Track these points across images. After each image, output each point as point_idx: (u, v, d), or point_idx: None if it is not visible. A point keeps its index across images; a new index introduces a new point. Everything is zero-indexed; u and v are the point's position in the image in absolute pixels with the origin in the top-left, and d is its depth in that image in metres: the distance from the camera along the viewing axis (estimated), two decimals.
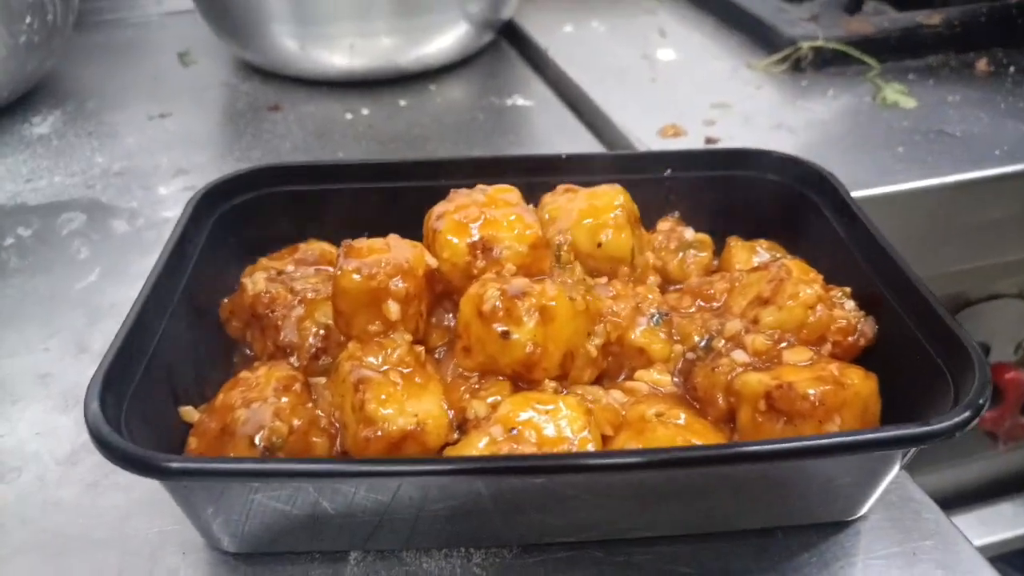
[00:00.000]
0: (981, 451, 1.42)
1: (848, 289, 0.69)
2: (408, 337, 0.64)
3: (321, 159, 1.14)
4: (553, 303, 0.62)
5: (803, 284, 0.66)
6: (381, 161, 0.84)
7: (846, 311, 0.67)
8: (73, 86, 1.38)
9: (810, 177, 0.80)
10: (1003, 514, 1.50)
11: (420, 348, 0.64)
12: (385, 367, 0.61)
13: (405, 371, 0.61)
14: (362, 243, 0.67)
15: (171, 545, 0.63)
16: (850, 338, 0.67)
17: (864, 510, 0.64)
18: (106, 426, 0.53)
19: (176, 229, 0.72)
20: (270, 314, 0.70)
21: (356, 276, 0.63)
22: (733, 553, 0.63)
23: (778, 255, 0.78)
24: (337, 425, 0.63)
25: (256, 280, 0.72)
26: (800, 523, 0.64)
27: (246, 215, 0.80)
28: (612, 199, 0.75)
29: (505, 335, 0.61)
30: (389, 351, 0.62)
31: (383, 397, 0.59)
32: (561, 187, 0.81)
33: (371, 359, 0.61)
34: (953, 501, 1.46)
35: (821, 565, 0.62)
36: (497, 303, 0.62)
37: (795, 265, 0.69)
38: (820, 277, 0.69)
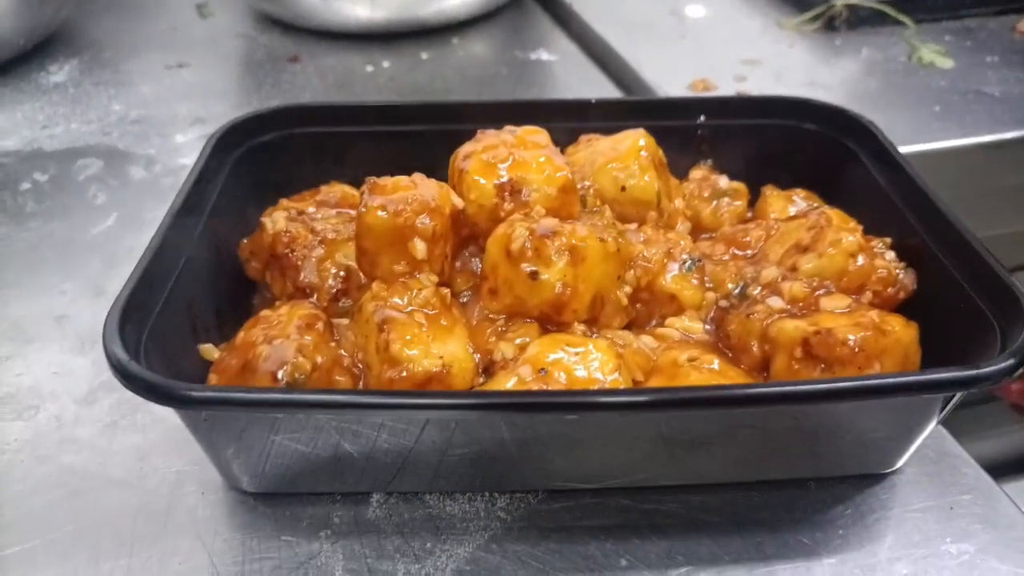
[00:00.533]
0: (1008, 424, 1.39)
1: (888, 240, 0.67)
2: (434, 278, 0.62)
3: (347, 100, 1.11)
4: (583, 243, 0.60)
5: (844, 232, 0.64)
6: (405, 103, 0.82)
7: (886, 261, 0.64)
8: (90, 36, 1.36)
9: (850, 126, 0.77)
10: None
11: (446, 290, 0.62)
12: (410, 308, 0.59)
13: (430, 312, 0.60)
14: (387, 181, 0.65)
15: (189, 484, 0.62)
16: (890, 289, 0.65)
17: (900, 463, 0.62)
18: (126, 355, 0.51)
19: (196, 166, 0.70)
20: (290, 254, 0.68)
21: (381, 213, 0.61)
22: (765, 503, 0.61)
23: (815, 204, 0.75)
24: (360, 366, 0.61)
25: (276, 219, 0.70)
26: (834, 475, 0.62)
27: (267, 155, 0.78)
28: (635, 142, 0.73)
29: (534, 275, 0.59)
30: (415, 292, 0.60)
31: (408, 338, 0.57)
32: (584, 137, 0.78)
33: (396, 299, 0.60)
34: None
35: (856, 517, 0.60)
36: (526, 243, 0.59)
37: (835, 213, 0.67)
38: (859, 227, 0.67)
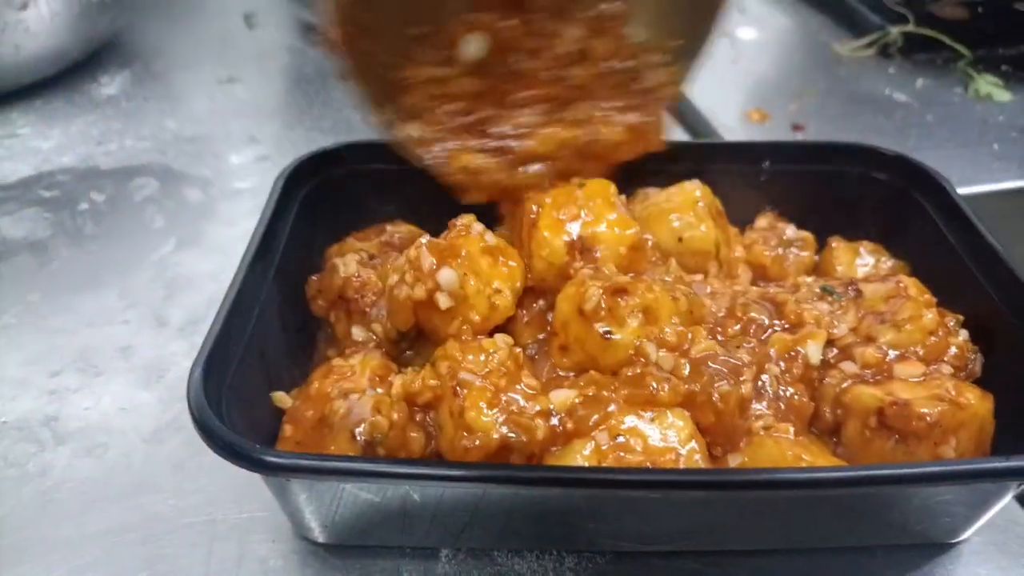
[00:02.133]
0: None
1: (961, 317, 0.66)
2: (509, 341, 0.62)
3: None
4: (656, 303, 0.60)
5: (923, 307, 0.63)
6: None
7: (960, 340, 0.64)
8: (138, 46, 1.37)
9: (919, 177, 0.76)
10: None
11: (519, 351, 0.62)
12: (486, 369, 0.59)
13: (504, 374, 0.59)
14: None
15: (260, 532, 0.63)
16: (961, 373, 0.64)
17: (968, 533, 0.62)
18: (212, 415, 0.52)
19: (266, 209, 0.70)
20: (359, 299, 0.69)
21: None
22: (831, 569, 0.61)
23: (882, 257, 0.74)
24: (431, 422, 0.61)
25: (348, 263, 0.70)
26: (901, 543, 0.62)
27: (334, 192, 0.78)
28: (691, 193, 0.73)
29: (607, 335, 0.59)
30: (490, 353, 0.60)
31: (482, 405, 0.57)
32: (641, 190, 0.78)
33: (470, 361, 0.59)
34: None
35: None
36: (600, 303, 0.59)
37: (912, 284, 0.66)
38: (934, 300, 0.66)
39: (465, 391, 0.56)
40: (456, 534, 0.60)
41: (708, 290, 0.69)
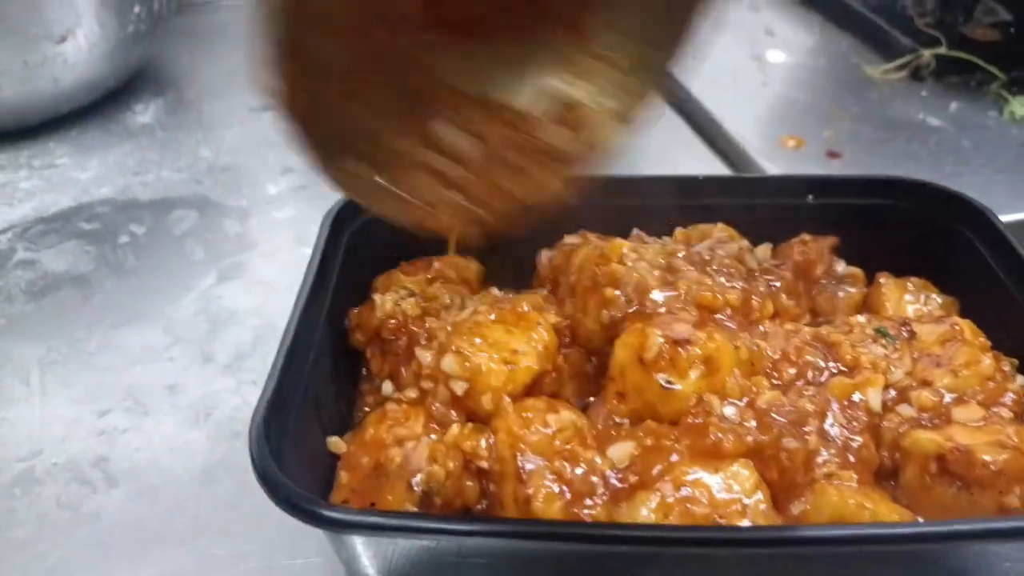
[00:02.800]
0: None
1: (1016, 361, 0.65)
2: (573, 418, 0.60)
3: None
4: (718, 352, 0.60)
5: (979, 351, 0.63)
6: None
7: (1017, 385, 0.63)
8: (171, 73, 1.38)
9: (964, 210, 0.76)
10: None
11: (584, 423, 0.61)
12: (551, 445, 0.58)
13: (569, 453, 0.58)
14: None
15: (315, 575, 0.63)
16: (1020, 419, 0.63)
17: None
18: (276, 471, 0.52)
19: (316, 249, 0.71)
20: (395, 341, 0.68)
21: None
22: None
23: (932, 294, 0.74)
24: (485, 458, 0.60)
25: (386, 301, 0.70)
26: None
27: (380, 229, 0.77)
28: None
29: (668, 386, 0.59)
30: (554, 431, 0.59)
31: (548, 492, 0.56)
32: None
33: (532, 435, 0.58)
34: None
35: None
36: (661, 351, 0.59)
37: (967, 326, 0.66)
38: (988, 343, 0.66)
39: (531, 480, 0.56)
40: None
41: (761, 329, 0.69)
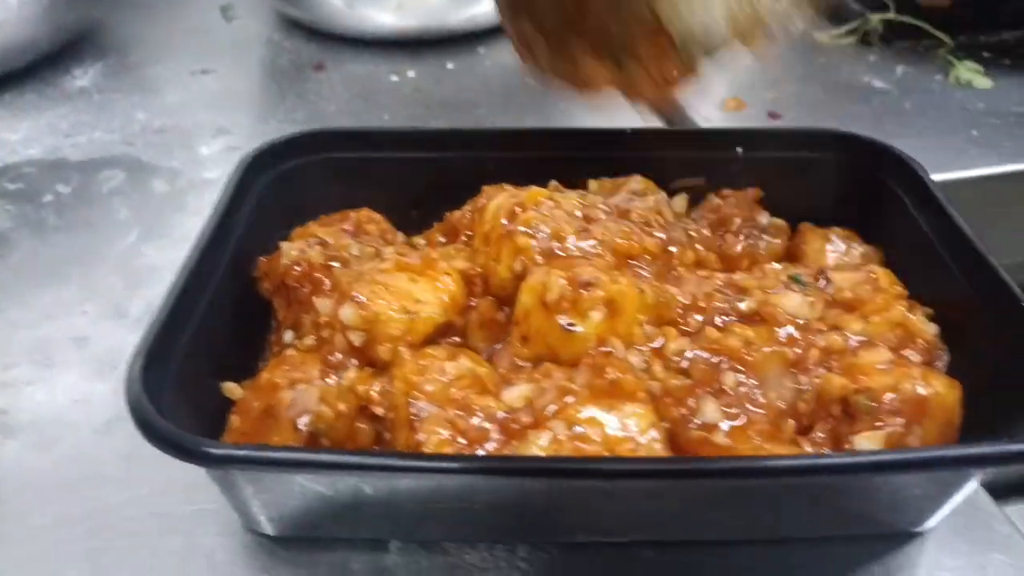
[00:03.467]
0: None
1: (931, 311, 0.64)
2: (471, 365, 0.59)
3: (370, 125, 1.09)
4: (621, 295, 0.58)
5: (893, 299, 0.62)
6: (433, 130, 0.81)
7: (929, 335, 0.62)
8: (115, 38, 1.35)
9: (893, 163, 0.75)
10: None
11: (484, 370, 0.59)
12: (446, 393, 0.56)
13: (464, 400, 0.56)
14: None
15: (207, 524, 0.61)
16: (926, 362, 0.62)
17: (934, 522, 0.60)
18: (149, 407, 0.50)
19: (223, 195, 0.69)
20: (299, 288, 0.67)
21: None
22: (794, 559, 0.59)
23: (853, 244, 0.73)
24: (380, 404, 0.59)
25: (290, 248, 0.68)
26: (864, 533, 0.61)
27: (294, 181, 0.76)
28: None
29: (569, 328, 0.58)
30: (450, 377, 0.57)
31: (438, 440, 0.54)
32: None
33: (429, 387, 0.57)
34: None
35: (889, 574, 0.58)
36: (562, 293, 0.58)
37: (884, 275, 0.65)
38: (905, 292, 0.65)
39: (423, 427, 0.54)
40: (407, 527, 0.59)
41: (675, 274, 0.68)
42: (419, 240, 0.77)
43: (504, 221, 0.67)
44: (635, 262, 0.67)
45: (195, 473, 0.59)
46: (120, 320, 0.80)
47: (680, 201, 0.76)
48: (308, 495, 0.55)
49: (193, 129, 1.11)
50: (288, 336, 0.65)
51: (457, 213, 0.75)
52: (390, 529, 0.59)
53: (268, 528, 0.59)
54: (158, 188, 1.00)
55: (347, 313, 0.60)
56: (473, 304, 0.66)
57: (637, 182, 0.75)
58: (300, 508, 0.57)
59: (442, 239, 0.76)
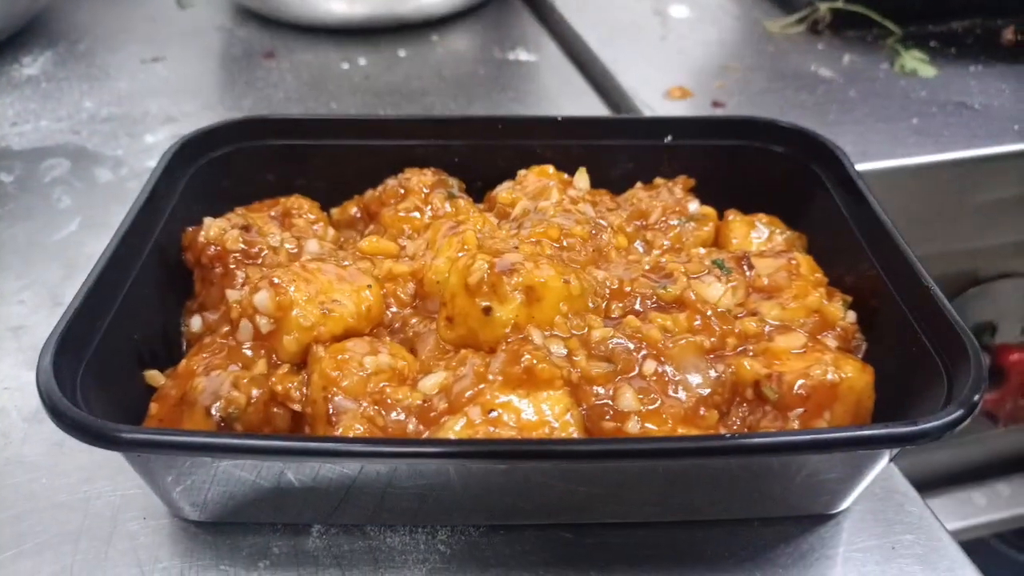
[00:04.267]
0: (979, 431, 1.39)
1: (849, 298, 0.66)
2: (389, 360, 0.59)
3: (306, 113, 1.09)
4: (542, 283, 0.59)
5: (812, 286, 0.63)
6: (364, 117, 0.82)
7: (846, 322, 0.64)
8: (66, 26, 1.34)
9: (817, 150, 0.76)
10: (1000, 494, 1.48)
11: (404, 363, 0.60)
12: (365, 388, 0.57)
13: (384, 395, 0.57)
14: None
15: (132, 510, 0.62)
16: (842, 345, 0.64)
17: (847, 504, 0.62)
18: (57, 392, 0.51)
19: (148, 182, 0.69)
20: (212, 268, 0.67)
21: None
22: (708, 541, 0.61)
23: (777, 230, 0.74)
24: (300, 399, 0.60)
25: (210, 226, 0.68)
26: (779, 515, 0.62)
27: (224, 169, 0.77)
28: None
29: (487, 311, 0.58)
30: (368, 372, 0.58)
31: (355, 434, 0.55)
32: (521, 173, 0.78)
33: (346, 383, 0.57)
34: (947, 480, 1.44)
35: (797, 556, 0.60)
36: (484, 276, 0.59)
37: (804, 261, 0.66)
38: (825, 279, 0.66)
39: (340, 423, 0.55)
40: (329, 512, 0.59)
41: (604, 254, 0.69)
42: (348, 239, 0.77)
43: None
44: (570, 250, 0.68)
45: (123, 461, 0.60)
46: (56, 309, 0.80)
47: (581, 178, 0.77)
48: (230, 481, 0.56)
49: (140, 117, 1.11)
50: (196, 324, 0.66)
51: (370, 192, 0.76)
52: (311, 514, 0.60)
53: (191, 514, 0.60)
54: (102, 177, 1.00)
55: (261, 297, 0.61)
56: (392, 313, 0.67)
57: (539, 173, 0.76)
58: (221, 494, 0.57)
59: (356, 212, 0.78)
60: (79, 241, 0.89)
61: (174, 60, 1.25)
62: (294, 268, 0.62)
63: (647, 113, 1.06)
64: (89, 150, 1.04)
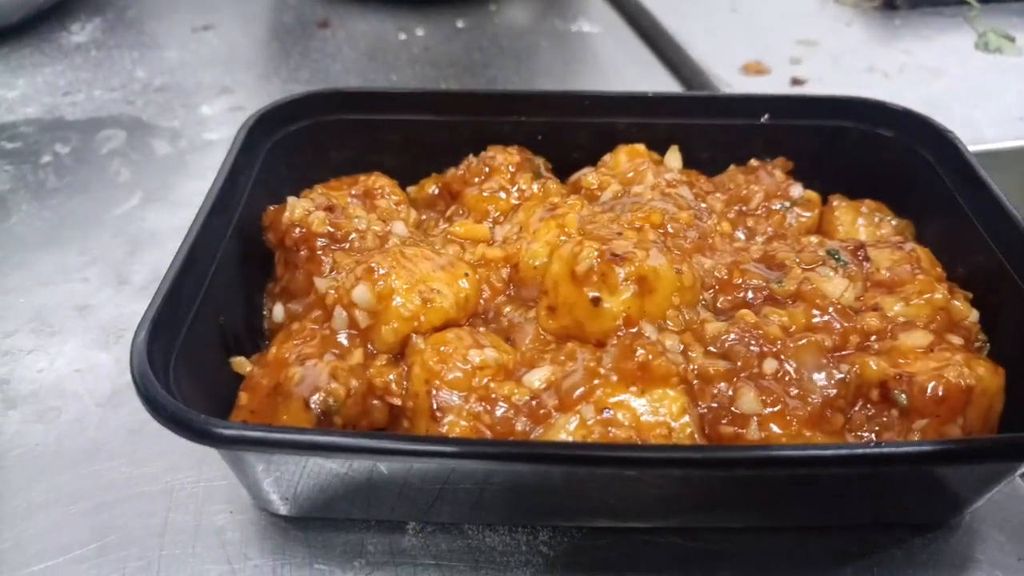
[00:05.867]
0: None
1: (970, 295, 0.62)
2: (495, 355, 0.56)
3: (380, 86, 1.05)
4: (655, 273, 0.55)
5: (935, 281, 0.60)
6: (442, 91, 0.78)
7: (969, 322, 0.60)
8: None
9: (926, 133, 0.72)
10: None
11: (508, 356, 0.56)
12: (469, 382, 0.54)
13: (488, 391, 0.54)
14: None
15: (218, 502, 0.59)
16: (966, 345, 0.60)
17: (968, 511, 0.58)
18: (155, 384, 0.48)
19: (227, 160, 0.66)
20: (296, 251, 0.64)
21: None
22: (820, 546, 0.57)
23: (886, 217, 0.70)
24: (397, 391, 0.56)
25: (296, 206, 0.64)
26: (903, 522, 0.59)
27: (301, 143, 0.73)
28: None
29: (596, 302, 0.55)
30: (473, 366, 0.54)
31: (462, 429, 0.52)
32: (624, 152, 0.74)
33: (451, 376, 0.54)
34: None
35: (916, 565, 0.56)
36: (593, 264, 0.55)
37: (924, 254, 0.62)
38: (944, 274, 0.62)
39: (445, 419, 0.52)
40: (424, 508, 0.56)
41: (709, 242, 0.65)
42: (429, 220, 0.73)
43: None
44: (674, 236, 0.64)
45: (205, 448, 0.57)
46: (122, 287, 0.77)
47: (673, 157, 0.73)
48: (322, 475, 0.53)
49: (194, 88, 1.07)
50: (279, 312, 0.63)
51: (452, 171, 0.73)
52: (406, 510, 0.57)
53: (280, 508, 0.57)
54: (159, 149, 0.96)
55: (360, 292, 0.57)
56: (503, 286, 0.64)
57: (634, 153, 0.73)
58: (313, 488, 0.55)
59: (434, 190, 0.74)
60: (140, 216, 0.86)
61: (224, 28, 1.21)
62: (393, 254, 0.58)
63: (724, 89, 1.01)
64: (144, 121, 1.01)
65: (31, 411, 0.66)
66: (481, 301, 0.62)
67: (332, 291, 0.58)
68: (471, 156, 0.74)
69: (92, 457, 0.62)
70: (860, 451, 0.48)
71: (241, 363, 0.59)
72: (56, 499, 0.59)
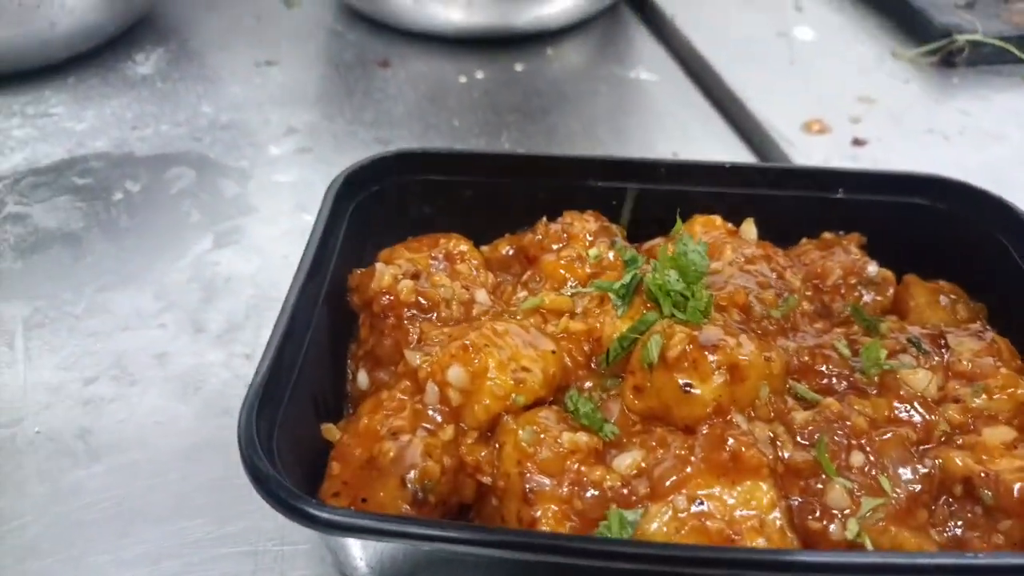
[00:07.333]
0: None
1: None
2: (585, 439, 0.56)
3: (461, 149, 1.04)
4: (746, 361, 0.56)
5: (1018, 374, 0.60)
6: (519, 154, 0.79)
7: None
8: (173, 21, 1.32)
9: (1001, 215, 0.72)
10: None
11: (596, 440, 0.56)
12: (561, 466, 0.54)
13: (579, 475, 0.54)
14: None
15: (303, 568, 0.61)
16: None
17: None
18: (267, 465, 0.49)
19: (318, 223, 0.67)
20: (384, 318, 0.65)
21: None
22: None
23: (960, 301, 0.70)
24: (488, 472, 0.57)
25: (384, 273, 0.66)
26: None
27: (382, 203, 0.74)
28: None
29: (687, 389, 0.56)
30: (564, 449, 0.55)
31: (555, 514, 0.53)
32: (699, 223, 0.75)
33: (544, 455, 0.54)
34: None
35: None
36: (685, 350, 0.56)
37: (1005, 345, 0.62)
38: (1023, 364, 0.63)
39: (538, 501, 0.53)
40: None
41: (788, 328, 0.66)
42: (507, 287, 0.74)
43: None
44: (758, 319, 0.64)
45: None
46: (198, 336, 0.79)
47: (748, 228, 0.74)
48: (410, 549, 0.54)
49: (260, 126, 1.09)
50: (363, 378, 0.64)
51: (529, 235, 0.74)
52: None
53: (364, 573, 0.58)
54: (227, 190, 0.98)
55: (455, 373, 0.58)
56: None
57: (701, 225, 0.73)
58: (399, 557, 0.56)
59: (508, 251, 0.75)
60: (214, 260, 0.88)
61: (286, 64, 1.23)
62: (486, 332, 0.59)
63: (787, 149, 1.02)
64: (212, 159, 1.03)
65: (114, 463, 0.67)
66: None
67: (425, 366, 0.59)
68: (545, 219, 0.75)
69: (176, 513, 0.64)
70: (969, 561, 0.48)
71: (331, 430, 0.60)
72: (143, 556, 0.61)
